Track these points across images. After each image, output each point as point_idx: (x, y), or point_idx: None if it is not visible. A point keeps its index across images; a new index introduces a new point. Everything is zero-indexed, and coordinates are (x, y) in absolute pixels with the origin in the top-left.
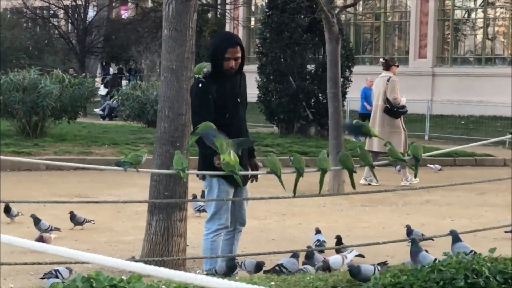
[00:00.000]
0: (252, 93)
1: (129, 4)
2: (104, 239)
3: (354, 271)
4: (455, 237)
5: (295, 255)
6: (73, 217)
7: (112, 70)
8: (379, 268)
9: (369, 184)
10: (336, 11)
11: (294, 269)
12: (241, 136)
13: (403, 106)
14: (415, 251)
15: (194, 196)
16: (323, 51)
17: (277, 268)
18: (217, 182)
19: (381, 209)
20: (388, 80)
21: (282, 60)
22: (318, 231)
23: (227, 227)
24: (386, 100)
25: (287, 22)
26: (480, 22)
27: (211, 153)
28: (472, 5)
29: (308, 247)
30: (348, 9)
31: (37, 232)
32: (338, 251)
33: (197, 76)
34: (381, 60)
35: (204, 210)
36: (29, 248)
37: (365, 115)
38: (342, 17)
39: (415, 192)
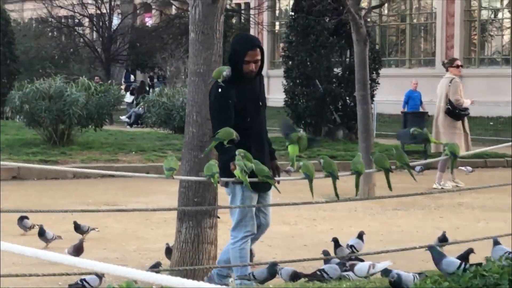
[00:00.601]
0: (279, 97)
1: (153, 11)
2: (133, 247)
3: (396, 282)
4: (495, 241)
5: (360, 236)
6: (77, 227)
7: (133, 77)
8: (418, 277)
9: (457, 186)
10: (363, 13)
11: (335, 274)
12: (262, 140)
13: (466, 108)
14: (438, 258)
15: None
16: (349, 54)
17: (318, 273)
18: (241, 189)
19: (414, 212)
20: (450, 82)
21: (308, 63)
22: (360, 235)
23: (253, 233)
24: (448, 102)
25: (312, 25)
26: (507, 22)
27: (229, 159)
28: (498, 5)
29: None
30: (374, 11)
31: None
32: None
33: (217, 80)
34: (443, 61)
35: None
36: (33, 256)
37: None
38: (368, 19)
39: (447, 194)
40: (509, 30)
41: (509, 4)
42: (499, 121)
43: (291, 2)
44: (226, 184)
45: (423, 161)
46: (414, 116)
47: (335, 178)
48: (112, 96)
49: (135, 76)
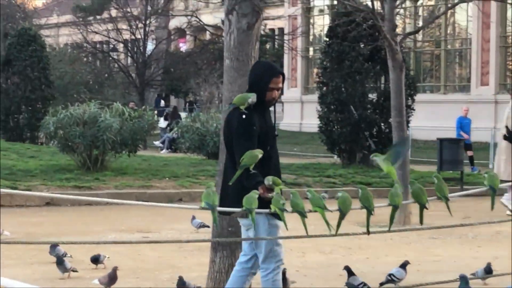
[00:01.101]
0: (312, 123)
1: (187, 37)
2: (167, 276)
3: None
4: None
5: (403, 265)
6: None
7: (163, 102)
8: None
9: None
10: (399, 39)
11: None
12: (279, 169)
13: None
14: None
15: (194, 217)
16: (384, 80)
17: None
18: (265, 218)
19: (450, 241)
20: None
21: (343, 89)
22: (403, 265)
23: (282, 260)
24: (506, 128)
25: (347, 51)
26: None
27: (255, 185)
28: None
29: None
30: (409, 37)
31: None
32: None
33: (238, 107)
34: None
35: (205, 226)
36: None
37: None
38: (403, 45)
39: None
40: None
41: None
42: None
43: (325, 28)
44: (245, 215)
45: (458, 193)
46: (450, 142)
47: (370, 213)
48: (146, 122)
49: (166, 102)
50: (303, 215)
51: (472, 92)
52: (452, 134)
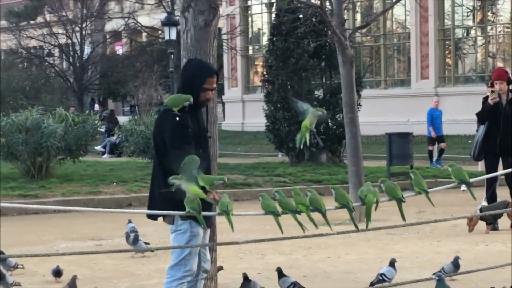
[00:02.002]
0: (255, 122)
1: (124, 39)
2: (125, 284)
3: None
4: None
5: (392, 264)
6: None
7: (97, 106)
8: None
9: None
10: (348, 34)
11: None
12: (211, 174)
13: None
14: None
15: (129, 221)
16: (330, 76)
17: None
18: (189, 225)
19: (409, 237)
20: None
21: (289, 87)
22: (392, 263)
23: (193, 274)
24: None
25: (292, 48)
26: (480, 40)
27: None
28: (471, 23)
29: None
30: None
31: None
32: None
33: (170, 108)
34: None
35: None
36: None
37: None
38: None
39: (442, 216)
40: (482, 48)
41: (481, 22)
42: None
43: (265, 26)
44: (171, 221)
45: (438, 188)
46: (399, 137)
47: (350, 210)
48: (91, 127)
49: (104, 106)
50: (350, 209)
51: (412, 86)
52: (395, 129)
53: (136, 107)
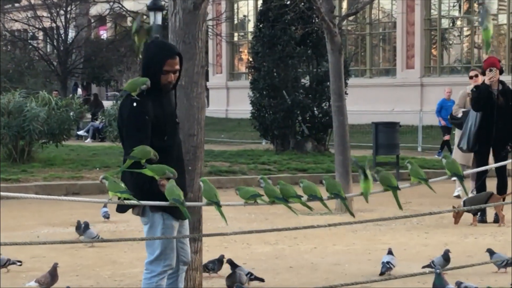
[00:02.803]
0: (239, 109)
1: (108, 24)
2: (108, 273)
3: None
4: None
5: (390, 252)
6: None
7: (80, 91)
8: None
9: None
10: (337, 21)
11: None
12: (181, 161)
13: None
14: (438, 286)
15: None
16: (316, 64)
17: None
18: (161, 217)
19: (396, 228)
20: None
21: (275, 74)
22: (390, 252)
23: (172, 267)
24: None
25: (279, 35)
26: (466, 31)
27: (146, 180)
28: (457, 13)
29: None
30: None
31: None
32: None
33: (129, 93)
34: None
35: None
36: None
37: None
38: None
39: (429, 207)
40: (468, 39)
41: (468, 12)
42: None
43: (251, 13)
44: (142, 213)
45: (438, 178)
46: (385, 126)
47: (343, 199)
48: (74, 111)
49: (88, 90)
50: (342, 198)
51: (398, 75)
52: (380, 118)
53: (118, 92)
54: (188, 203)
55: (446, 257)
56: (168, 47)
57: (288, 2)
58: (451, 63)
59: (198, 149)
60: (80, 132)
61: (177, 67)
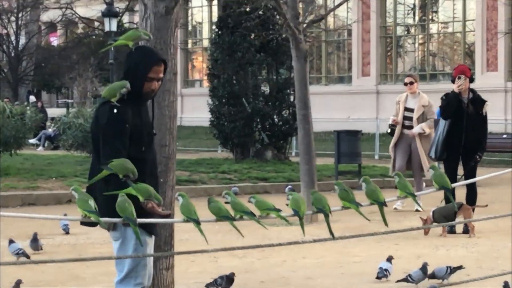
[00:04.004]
0: (194, 117)
1: (60, 31)
2: None
3: None
4: None
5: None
6: None
7: (33, 98)
8: None
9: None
10: (302, 27)
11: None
12: (156, 175)
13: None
14: None
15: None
16: (276, 71)
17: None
18: (133, 232)
19: (365, 239)
20: None
21: (235, 81)
22: (389, 259)
23: (144, 286)
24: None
25: (239, 41)
26: (421, 39)
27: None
28: (411, 21)
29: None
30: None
31: None
32: None
33: (108, 100)
34: None
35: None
36: None
37: None
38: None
39: (393, 217)
40: (424, 46)
41: (423, 20)
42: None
43: (205, 20)
44: (112, 227)
45: (424, 191)
46: (348, 135)
47: (327, 215)
48: (29, 119)
49: (38, 97)
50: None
51: (353, 83)
52: (336, 126)
53: (70, 100)
54: (162, 220)
55: (424, 271)
56: (154, 52)
57: (248, 9)
58: (407, 71)
59: (170, 160)
60: (32, 140)
61: (161, 75)
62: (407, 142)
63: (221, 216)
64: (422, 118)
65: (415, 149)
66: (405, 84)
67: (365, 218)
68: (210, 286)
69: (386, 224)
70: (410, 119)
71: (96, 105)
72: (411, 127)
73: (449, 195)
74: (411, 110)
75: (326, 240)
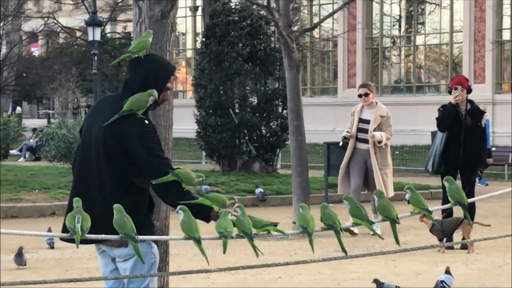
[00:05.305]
0: (177, 128)
1: (41, 40)
2: None
3: None
4: None
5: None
6: None
7: (20, 109)
8: None
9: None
10: (295, 36)
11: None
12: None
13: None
14: None
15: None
16: (264, 82)
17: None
18: (148, 245)
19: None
20: None
21: (222, 92)
22: (447, 271)
23: None
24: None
25: (226, 51)
26: (408, 50)
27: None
28: (397, 33)
29: None
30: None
31: None
32: None
33: (135, 112)
34: None
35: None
36: None
37: None
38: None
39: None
40: (411, 58)
41: (409, 32)
42: (404, 150)
43: (189, 30)
44: (122, 243)
45: (438, 207)
46: (338, 147)
47: (338, 233)
48: (12, 129)
49: (21, 107)
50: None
51: (339, 94)
52: (322, 138)
53: (51, 110)
54: (163, 237)
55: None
56: (168, 62)
57: (237, 18)
58: (393, 83)
59: None
60: (13, 151)
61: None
62: (363, 158)
63: (219, 232)
64: (379, 130)
65: (370, 165)
66: (359, 96)
67: (379, 236)
68: None
69: (397, 242)
70: (365, 131)
71: (116, 116)
72: (365, 140)
73: (465, 211)
74: (367, 122)
75: (337, 259)
